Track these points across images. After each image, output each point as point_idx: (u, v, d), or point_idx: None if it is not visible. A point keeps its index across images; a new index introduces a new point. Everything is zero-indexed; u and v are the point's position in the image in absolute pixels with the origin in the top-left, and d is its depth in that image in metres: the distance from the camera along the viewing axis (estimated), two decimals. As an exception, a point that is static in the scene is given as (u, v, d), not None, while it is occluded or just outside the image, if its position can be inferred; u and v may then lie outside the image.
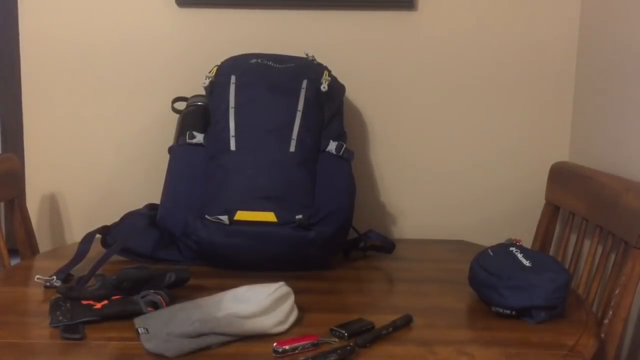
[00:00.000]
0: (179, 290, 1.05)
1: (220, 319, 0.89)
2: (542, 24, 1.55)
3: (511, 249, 1.08)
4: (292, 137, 1.23)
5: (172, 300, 0.99)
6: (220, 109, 1.28)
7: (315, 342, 0.88)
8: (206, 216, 1.20)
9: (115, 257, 1.24)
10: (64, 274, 1.15)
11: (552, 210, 1.48)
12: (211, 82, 1.32)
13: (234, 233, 1.19)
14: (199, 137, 1.29)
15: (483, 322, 1.00)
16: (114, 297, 1.00)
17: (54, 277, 1.13)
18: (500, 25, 1.55)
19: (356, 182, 1.33)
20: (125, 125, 1.60)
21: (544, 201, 1.50)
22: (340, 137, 1.34)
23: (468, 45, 1.56)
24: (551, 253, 1.46)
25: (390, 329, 0.93)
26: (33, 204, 1.62)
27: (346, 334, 0.91)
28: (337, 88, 1.38)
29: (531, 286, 0.99)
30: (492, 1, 1.55)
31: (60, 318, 0.94)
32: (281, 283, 0.97)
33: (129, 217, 1.35)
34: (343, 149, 1.30)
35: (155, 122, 1.58)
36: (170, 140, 1.38)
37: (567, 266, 1.33)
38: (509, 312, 1.00)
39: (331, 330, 0.92)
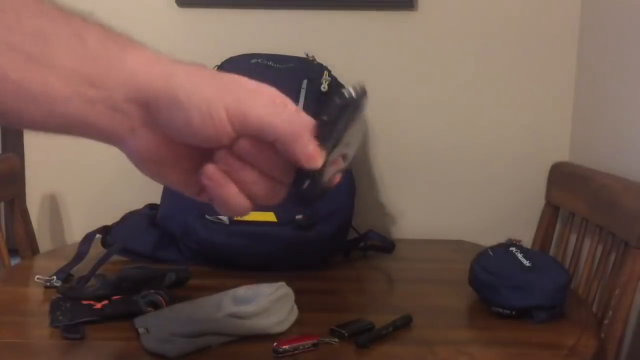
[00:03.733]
0: (179, 290, 1.05)
1: (220, 319, 0.89)
2: (542, 23, 1.55)
3: (511, 249, 1.08)
4: (292, 137, 1.23)
5: (172, 300, 0.98)
6: (220, 109, 1.28)
7: (315, 342, 0.88)
8: (206, 216, 1.20)
9: (116, 257, 1.24)
10: (64, 274, 1.15)
11: (552, 210, 1.48)
12: (211, 82, 1.32)
13: (234, 233, 1.19)
14: (199, 137, 1.29)
15: (483, 322, 1.00)
16: (114, 297, 1.00)
17: (54, 277, 1.13)
18: (500, 25, 1.55)
19: (356, 182, 1.33)
20: (125, 125, 1.60)
21: (544, 201, 1.50)
22: (340, 137, 1.33)
23: (468, 45, 1.56)
24: (551, 253, 1.46)
25: (390, 329, 0.93)
26: (33, 204, 1.61)
27: (346, 334, 0.91)
28: (337, 88, 1.38)
29: (531, 286, 0.99)
30: (492, 1, 1.55)
31: (60, 318, 0.94)
32: (281, 283, 0.97)
33: (129, 217, 1.35)
34: (343, 149, 1.30)
35: (155, 122, 1.57)
36: (170, 140, 1.38)
37: (567, 266, 1.33)
38: (509, 312, 1.00)
39: (331, 330, 0.92)
